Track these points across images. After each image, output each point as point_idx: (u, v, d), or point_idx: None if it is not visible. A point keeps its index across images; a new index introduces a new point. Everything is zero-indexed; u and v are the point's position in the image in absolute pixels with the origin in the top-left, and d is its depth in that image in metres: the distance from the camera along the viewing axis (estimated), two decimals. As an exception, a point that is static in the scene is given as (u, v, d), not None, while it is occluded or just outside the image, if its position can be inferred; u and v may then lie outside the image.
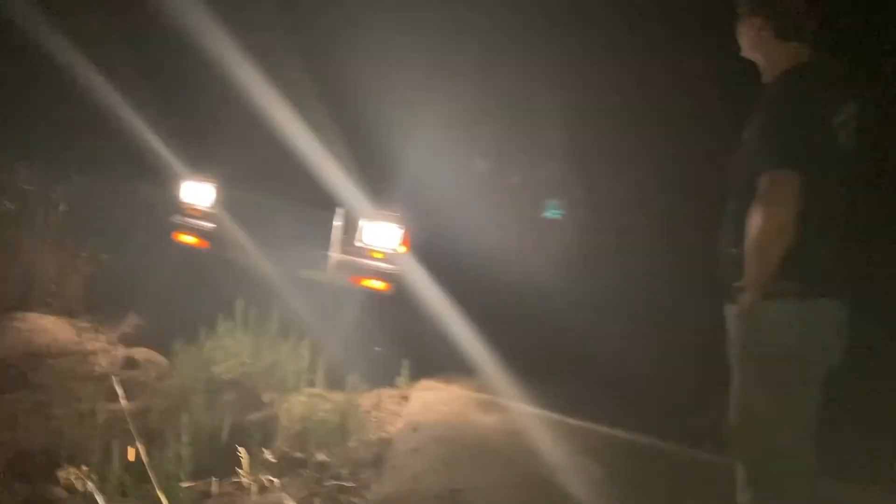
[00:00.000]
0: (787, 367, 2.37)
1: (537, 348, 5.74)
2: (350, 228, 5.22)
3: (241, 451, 3.05)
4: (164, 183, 5.69)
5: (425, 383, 5.08)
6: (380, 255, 5.18)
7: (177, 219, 5.49)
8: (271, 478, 3.20)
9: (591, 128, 7.99)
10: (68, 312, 5.29)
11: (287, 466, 3.56)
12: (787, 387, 2.38)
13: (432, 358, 5.30)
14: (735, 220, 2.49)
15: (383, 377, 4.77)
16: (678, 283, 6.86)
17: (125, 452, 2.97)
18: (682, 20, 7.58)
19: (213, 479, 3.17)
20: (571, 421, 4.65)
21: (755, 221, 2.29)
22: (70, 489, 2.87)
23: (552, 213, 7.75)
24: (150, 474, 2.82)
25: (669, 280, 6.98)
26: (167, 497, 2.78)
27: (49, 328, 5.00)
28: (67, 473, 2.86)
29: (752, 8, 2.53)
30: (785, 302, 2.34)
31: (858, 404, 4.46)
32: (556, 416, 4.67)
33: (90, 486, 2.82)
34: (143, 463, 2.97)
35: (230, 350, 4.50)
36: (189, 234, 5.44)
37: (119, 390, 3.28)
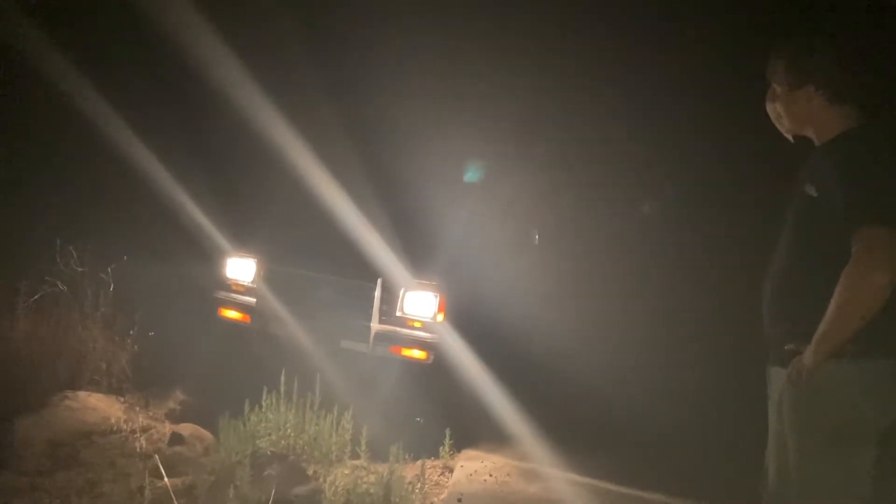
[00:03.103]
0: (846, 430, 2.29)
1: (577, 414, 5.70)
2: (388, 298, 5.30)
3: (287, 526, 3.08)
4: (209, 260, 5.85)
5: (468, 453, 5.07)
6: (418, 325, 5.24)
7: (221, 294, 5.63)
8: (318, 552, 3.22)
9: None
10: (117, 390, 5.39)
11: (333, 540, 3.59)
12: (846, 449, 2.29)
13: (474, 427, 5.30)
14: (790, 279, 2.44)
15: (426, 447, 4.77)
16: (714, 347, 6.80)
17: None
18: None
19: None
20: (613, 487, 4.60)
21: (851, 283, 2.15)
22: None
23: None
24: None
25: (704, 344, 6.91)
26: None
27: (98, 406, 5.11)
28: (118, 551, 2.92)
29: (797, 81, 2.46)
30: (843, 362, 2.26)
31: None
32: (598, 483, 4.63)
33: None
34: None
35: (274, 423, 4.57)
36: (233, 309, 5.57)
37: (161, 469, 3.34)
